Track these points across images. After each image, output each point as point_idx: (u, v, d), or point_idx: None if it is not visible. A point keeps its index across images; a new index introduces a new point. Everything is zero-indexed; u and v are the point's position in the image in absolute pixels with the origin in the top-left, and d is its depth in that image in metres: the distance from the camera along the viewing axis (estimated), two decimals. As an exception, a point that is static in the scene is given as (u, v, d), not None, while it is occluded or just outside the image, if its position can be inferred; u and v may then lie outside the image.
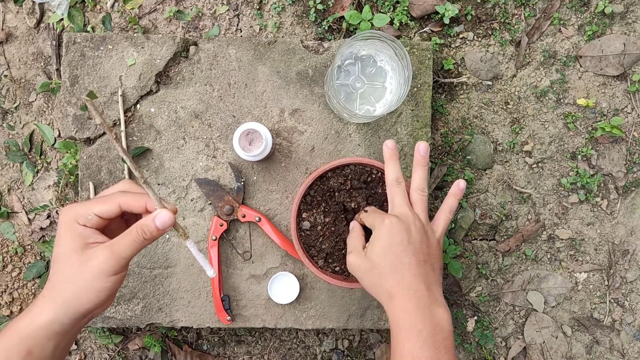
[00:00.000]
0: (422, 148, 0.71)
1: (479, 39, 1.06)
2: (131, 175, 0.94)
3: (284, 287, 0.94)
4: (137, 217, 0.58)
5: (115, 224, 0.58)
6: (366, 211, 0.76)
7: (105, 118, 0.43)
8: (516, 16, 1.06)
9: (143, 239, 0.52)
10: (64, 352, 0.56)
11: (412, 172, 0.72)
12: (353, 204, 0.80)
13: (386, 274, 0.66)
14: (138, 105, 0.94)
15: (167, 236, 0.95)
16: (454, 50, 1.06)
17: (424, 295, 0.65)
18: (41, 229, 1.06)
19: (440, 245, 0.71)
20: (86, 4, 1.05)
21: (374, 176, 0.81)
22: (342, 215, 0.81)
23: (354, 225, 0.76)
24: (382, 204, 0.80)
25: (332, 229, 0.81)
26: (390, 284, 0.66)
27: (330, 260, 0.82)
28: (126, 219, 0.60)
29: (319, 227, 0.81)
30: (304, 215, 0.82)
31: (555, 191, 1.06)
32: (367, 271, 0.68)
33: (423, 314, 0.63)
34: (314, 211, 0.81)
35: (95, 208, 0.52)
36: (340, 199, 0.81)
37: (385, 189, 0.74)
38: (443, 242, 1.02)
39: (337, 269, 0.82)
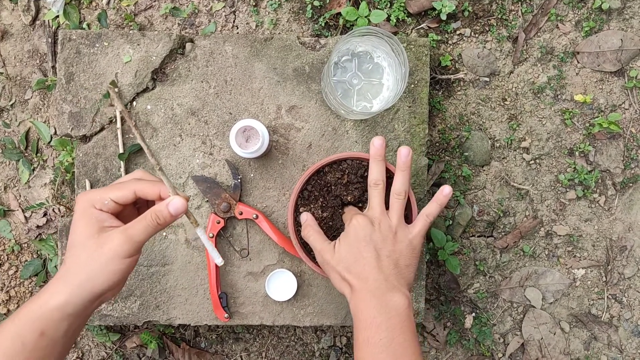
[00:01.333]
0: (403, 153, 0.73)
1: (476, 35, 1.05)
2: (127, 173, 0.94)
3: (281, 284, 0.94)
4: (148, 205, 0.60)
5: (127, 211, 0.59)
6: (344, 212, 0.81)
7: (124, 105, 0.45)
8: (513, 12, 1.05)
9: (157, 224, 0.54)
10: (75, 335, 0.57)
11: (394, 176, 0.75)
12: (350, 197, 0.80)
13: (349, 267, 0.70)
14: (134, 103, 0.94)
15: (164, 234, 0.94)
16: (451, 46, 1.05)
17: (381, 284, 0.67)
18: (37, 227, 1.06)
19: (414, 246, 0.73)
20: (82, 1, 1.04)
21: None
22: (340, 210, 0.81)
23: (310, 229, 0.78)
24: None
25: (330, 223, 0.80)
26: (351, 276, 0.69)
27: None
28: (138, 207, 0.62)
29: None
30: (301, 210, 0.81)
31: (552, 187, 1.06)
32: (335, 266, 0.72)
33: (379, 301, 0.66)
34: (312, 206, 0.81)
35: (111, 194, 0.55)
36: (337, 194, 0.80)
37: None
38: (441, 240, 1.02)
39: None
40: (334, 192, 0.81)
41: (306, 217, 0.79)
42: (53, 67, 1.05)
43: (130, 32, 0.95)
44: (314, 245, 0.76)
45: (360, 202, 0.81)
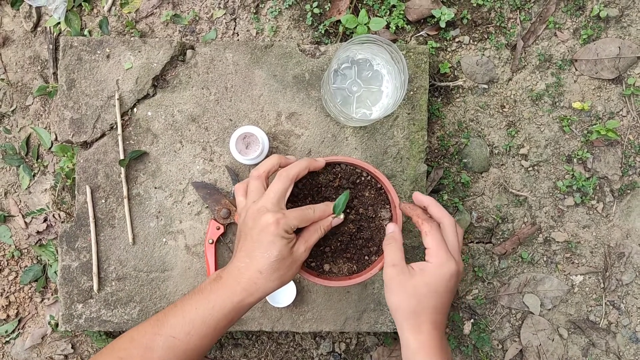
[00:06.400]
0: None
1: (475, 43, 1.06)
2: (128, 180, 0.94)
3: (280, 291, 0.94)
4: None
5: None
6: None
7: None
8: (512, 20, 1.06)
9: (322, 233, 0.71)
10: None
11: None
12: None
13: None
14: (135, 109, 0.94)
15: (164, 239, 0.95)
16: (450, 53, 1.06)
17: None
18: (38, 232, 1.06)
19: None
20: (83, 8, 1.05)
21: (363, 179, 0.81)
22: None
23: (395, 242, 0.74)
24: (367, 208, 0.80)
25: None
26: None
27: None
28: None
29: None
30: (287, 205, 0.80)
31: (551, 194, 1.07)
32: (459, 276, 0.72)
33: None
34: (299, 204, 0.80)
35: (297, 222, 0.68)
36: (326, 195, 0.80)
37: (372, 194, 0.78)
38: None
39: (312, 264, 0.81)
40: (324, 193, 0.80)
41: (393, 229, 0.75)
42: (54, 73, 1.06)
43: (132, 39, 0.95)
44: (390, 258, 0.72)
45: (347, 209, 0.81)
